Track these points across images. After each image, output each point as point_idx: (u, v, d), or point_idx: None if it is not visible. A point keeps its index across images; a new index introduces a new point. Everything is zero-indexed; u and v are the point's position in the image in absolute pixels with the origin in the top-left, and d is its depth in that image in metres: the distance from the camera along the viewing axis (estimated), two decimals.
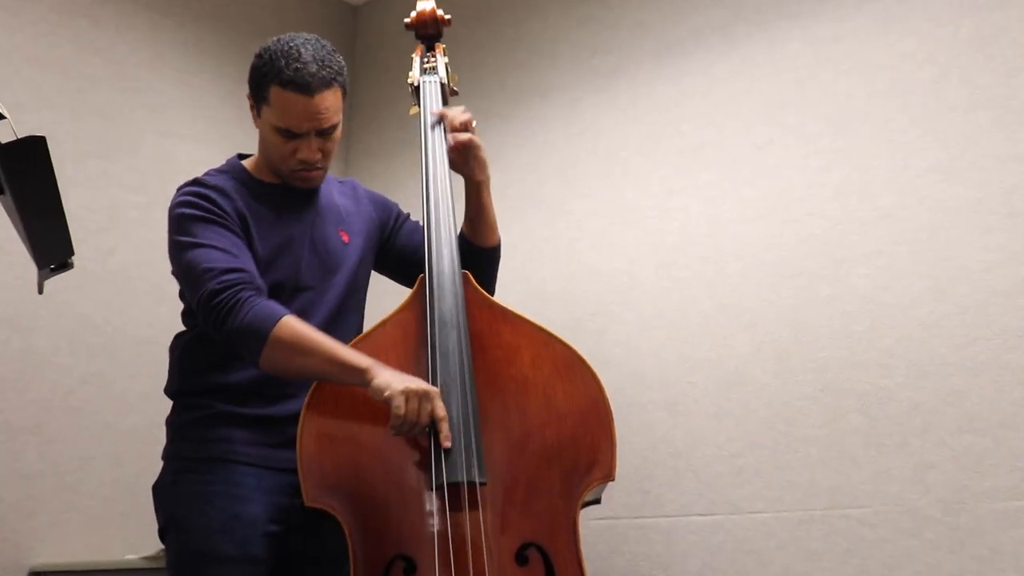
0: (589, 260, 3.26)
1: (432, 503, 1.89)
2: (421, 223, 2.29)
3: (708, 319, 2.94)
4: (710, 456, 2.83)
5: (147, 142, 3.48)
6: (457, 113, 2.30)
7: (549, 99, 3.54)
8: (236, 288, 2.00)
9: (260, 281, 2.07)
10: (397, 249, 2.44)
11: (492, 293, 2.42)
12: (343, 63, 2.24)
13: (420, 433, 1.90)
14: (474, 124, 2.30)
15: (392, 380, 1.89)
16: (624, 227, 3.20)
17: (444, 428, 1.88)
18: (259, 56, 2.20)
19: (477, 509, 1.86)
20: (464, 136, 2.26)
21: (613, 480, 1.94)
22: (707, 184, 3.04)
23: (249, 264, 2.09)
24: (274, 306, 2.02)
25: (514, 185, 3.52)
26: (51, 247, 1.76)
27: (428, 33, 2.58)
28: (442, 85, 2.46)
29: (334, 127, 2.20)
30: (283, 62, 2.13)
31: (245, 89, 3.74)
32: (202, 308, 2.03)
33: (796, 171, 2.86)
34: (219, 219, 2.12)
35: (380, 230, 2.44)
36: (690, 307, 2.98)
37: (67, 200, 1.70)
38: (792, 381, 2.73)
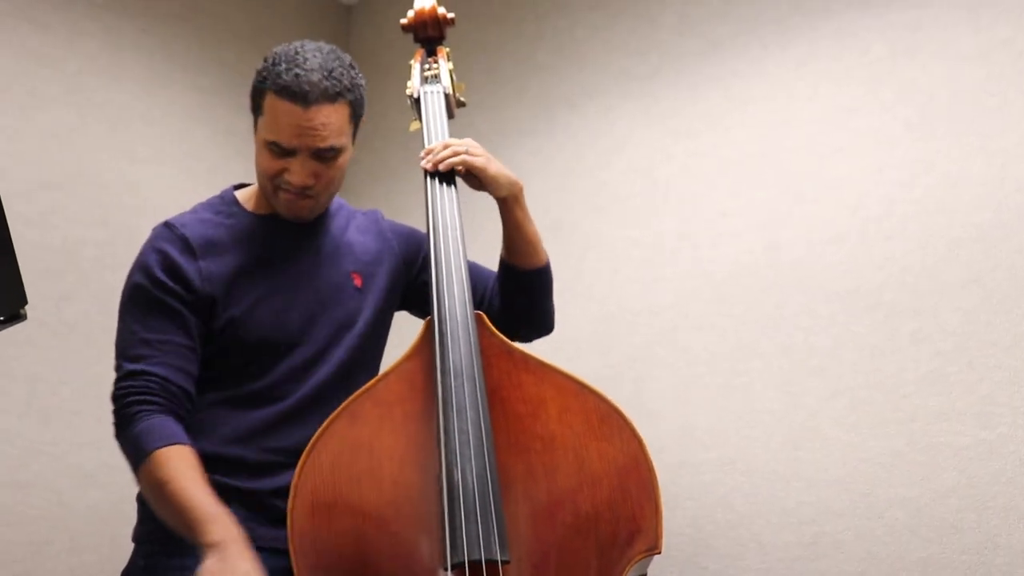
0: (628, 297, 3.30)
1: None
2: (429, 256, 2.32)
3: (770, 363, 2.96)
4: (777, 524, 2.85)
5: (106, 168, 3.52)
6: (438, 148, 2.34)
7: (578, 109, 3.59)
8: (126, 401, 2.11)
9: (166, 379, 2.14)
10: (425, 288, 2.47)
11: (549, 327, 2.49)
12: (360, 81, 2.27)
13: None
14: (465, 146, 2.33)
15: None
16: (668, 257, 3.24)
17: None
18: (263, 60, 2.26)
19: None
20: (454, 160, 2.31)
21: (660, 553, 1.94)
22: (765, 204, 3.08)
23: (163, 358, 2.15)
24: (152, 433, 2.08)
25: (538, 211, 3.51)
26: (0, 296, 1.81)
27: (428, 35, 2.62)
28: (446, 96, 2.49)
29: (334, 151, 2.21)
30: (283, 67, 2.17)
31: (220, 103, 3.82)
32: None
33: (871, 186, 2.89)
34: (160, 293, 2.19)
35: (406, 268, 2.48)
36: (748, 350, 3.01)
37: (15, 239, 1.76)
38: (873, 434, 2.75)
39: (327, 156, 2.21)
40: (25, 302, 1.85)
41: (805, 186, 3.01)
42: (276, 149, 2.20)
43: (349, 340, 2.31)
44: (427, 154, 2.34)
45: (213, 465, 2.17)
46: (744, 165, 3.14)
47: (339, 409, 2.07)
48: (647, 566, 2.01)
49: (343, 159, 2.26)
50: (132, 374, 2.12)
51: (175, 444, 2.05)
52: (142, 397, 2.10)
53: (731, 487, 2.94)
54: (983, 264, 2.67)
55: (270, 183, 2.25)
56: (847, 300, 2.86)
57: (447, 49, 2.60)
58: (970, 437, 2.61)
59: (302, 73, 2.16)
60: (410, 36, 2.65)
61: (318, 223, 2.38)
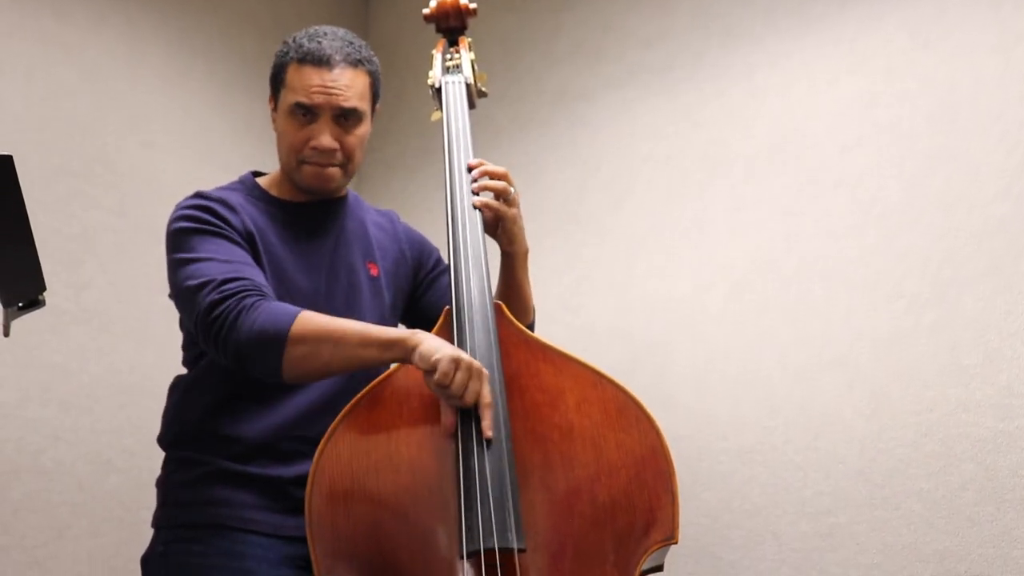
0: (647, 287, 3.29)
1: (464, 574, 1.89)
2: (447, 247, 2.32)
3: (789, 353, 2.96)
4: (794, 514, 2.85)
5: (126, 157, 3.53)
6: (498, 171, 2.31)
7: (596, 101, 3.58)
8: (239, 295, 2.05)
9: (269, 290, 2.12)
10: (426, 302, 2.48)
11: None
12: (377, 61, 2.34)
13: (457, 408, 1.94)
14: (512, 192, 2.30)
15: (442, 345, 1.94)
16: (687, 247, 3.23)
17: (487, 414, 1.93)
18: (282, 44, 2.33)
19: None
20: (494, 204, 2.28)
21: (676, 543, 1.95)
22: (784, 194, 3.07)
23: (254, 274, 2.14)
24: (287, 305, 2.06)
25: (557, 202, 3.55)
26: (18, 282, 1.82)
27: (450, 25, 2.62)
28: (468, 86, 2.49)
29: (355, 113, 2.26)
30: (304, 40, 2.27)
31: (239, 93, 3.82)
32: (202, 326, 2.08)
33: (891, 176, 2.88)
34: (220, 230, 2.18)
35: (413, 273, 2.49)
36: (767, 339, 3.00)
37: (35, 226, 1.76)
38: (891, 425, 2.74)
39: (349, 118, 2.26)
40: (43, 288, 1.85)
41: (825, 177, 3.00)
42: (300, 111, 2.24)
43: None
44: (483, 171, 2.31)
45: (232, 451, 2.17)
46: (763, 156, 3.13)
47: (358, 397, 2.07)
48: (664, 556, 2.02)
49: (363, 129, 2.31)
50: (233, 279, 2.07)
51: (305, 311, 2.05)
52: (250, 291, 2.06)
53: (748, 477, 2.94)
54: (1004, 255, 2.66)
55: (295, 157, 2.28)
56: (867, 291, 2.86)
57: (469, 39, 2.60)
58: (989, 429, 2.61)
59: (324, 42, 2.25)
60: (430, 27, 2.65)
61: (338, 209, 2.39)
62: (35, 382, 3.19)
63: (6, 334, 1.87)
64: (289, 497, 2.14)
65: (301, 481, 2.04)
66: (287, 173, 2.33)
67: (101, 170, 3.46)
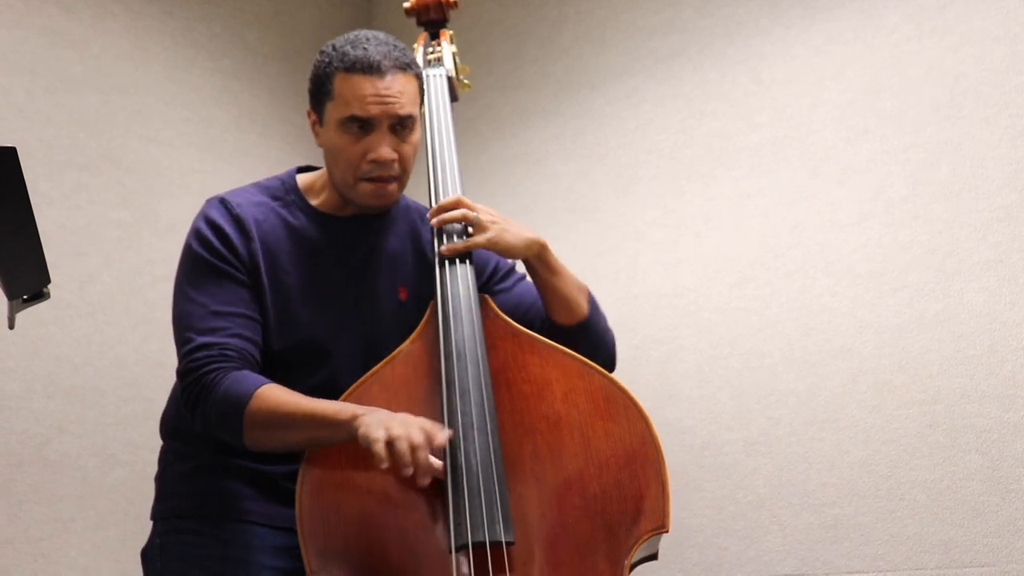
0: (651, 279, 3.32)
1: (454, 569, 1.90)
2: (431, 241, 2.30)
3: (793, 344, 2.98)
4: (798, 506, 2.87)
5: (130, 150, 3.55)
6: (449, 205, 2.25)
7: (600, 90, 3.60)
8: (204, 370, 2.07)
9: (243, 348, 2.12)
10: (506, 308, 2.34)
11: (611, 367, 2.35)
12: (420, 64, 2.28)
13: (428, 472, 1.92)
14: (474, 215, 2.21)
15: (371, 426, 1.90)
16: (692, 239, 3.26)
17: (438, 435, 1.91)
18: (320, 54, 2.24)
19: (505, 575, 1.89)
20: (459, 245, 2.22)
21: (667, 532, 1.96)
22: (789, 185, 3.09)
23: (237, 329, 2.14)
24: (246, 379, 2.06)
25: (561, 193, 3.57)
26: (23, 275, 1.85)
27: (431, 18, 2.65)
28: (449, 79, 2.51)
29: (411, 120, 2.19)
30: (348, 48, 2.18)
31: (242, 86, 3.83)
32: (180, 387, 2.14)
33: (896, 167, 2.90)
34: (225, 268, 2.18)
35: None
36: (772, 331, 3.03)
37: (40, 219, 1.80)
38: (895, 416, 2.77)
39: (405, 126, 2.19)
40: (48, 281, 1.88)
41: (830, 168, 3.01)
42: (355, 125, 2.17)
43: (378, 355, 2.23)
44: (437, 211, 2.26)
45: (225, 443, 2.20)
46: (768, 146, 3.15)
47: (346, 393, 2.09)
48: (656, 544, 2.03)
49: (416, 136, 2.23)
50: (207, 345, 2.09)
51: (268, 383, 2.05)
52: (220, 364, 2.07)
53: (753, 468, 2.97)
54: (1009, 245, 2.68)
55: (352, 174, 2.20)
56: (872, 282, 2.88)
57: (450, 32, 2.62)
58: (993, 419, 2.63)
59: (370, 48, 2.17)
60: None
61: (378, 226, 2.34)
62: (40, 374, 3.21)
63: (11, 326, 1.90)
64: (282, 490, 2.15)
65: (292, 476, 2.06)
66: (341, 190, 2.26)
67: (105, 163, 3.47)
